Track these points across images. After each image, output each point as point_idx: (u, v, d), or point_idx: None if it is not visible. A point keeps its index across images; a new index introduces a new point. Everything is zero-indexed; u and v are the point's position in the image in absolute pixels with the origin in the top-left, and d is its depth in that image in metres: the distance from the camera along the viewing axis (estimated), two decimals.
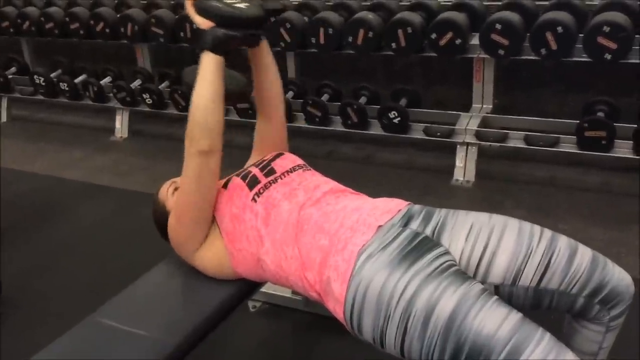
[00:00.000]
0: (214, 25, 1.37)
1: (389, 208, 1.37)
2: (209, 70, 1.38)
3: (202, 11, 1.37)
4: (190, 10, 1.42)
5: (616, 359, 1.46)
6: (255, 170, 1.54)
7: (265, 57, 1.63)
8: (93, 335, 1.42)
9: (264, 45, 1.60)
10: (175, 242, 1.56)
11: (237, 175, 1.55)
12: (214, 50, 1.38)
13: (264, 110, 1.71)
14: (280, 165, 1.56)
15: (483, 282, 1.28)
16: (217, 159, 1.41)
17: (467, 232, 1.31)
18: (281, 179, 1.51)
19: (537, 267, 1.27)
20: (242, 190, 1.49)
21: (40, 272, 2.62)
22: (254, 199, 1.47)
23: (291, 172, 1.54)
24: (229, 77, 1.41)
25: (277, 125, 1.75)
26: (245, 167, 1.64)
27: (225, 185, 1.54)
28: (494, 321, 1.11)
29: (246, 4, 1.40)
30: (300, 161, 1.62)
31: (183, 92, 3.82)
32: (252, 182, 1.50)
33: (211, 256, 1.53)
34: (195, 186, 1.43)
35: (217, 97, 1.38)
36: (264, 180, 1.50)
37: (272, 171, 1.53)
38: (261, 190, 1.48)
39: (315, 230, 1.35)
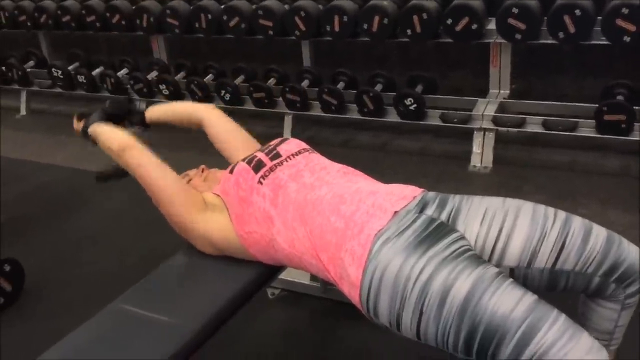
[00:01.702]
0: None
1: (405, 194, 1.38)
2: (99, 129, 1.72)
3: (79, 117, 1.85)
4: (75, 124, 1.85)
5: (616, 359, 1.45)
6: (261, 155, 1.58)
7: (161, 118, 1.93)
8: (116, 321, 1.44)
9: (151, 113, 1.92)
10: (176, 228, 1.61)
11: (243, 160, 1.59)
12: (94, 122, 1.77)
13: (193, 125, 1.90)
14: (285, 149, 1.59)
15: (498, 265, 1.28)
16: (137, 150, 1.59)
17: (482, 216, 1.31)
18: (287, 161, 1.55)
19: (552, 248, 1.27)
20: (247, 173, 1.53)
21: (62, 261, 2.66)
22: (259, 182, 1.50)
23: (297, 155, 1.58)
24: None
25: (213, 123, 1.86)
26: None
27: (231, 171, 1.58)
28: (509, 302, 1.11)
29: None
30: (305, 145, 1.65)
31: (199, 83, 3.84)
32: (258, 166, 1.53)
33: (220, 235, 1.56)
34: (145, 178, 1.57)
35: (108, 131, 1.71)
36: (269, 164, 1.54)
37: (277, 155, 1.57)
38: (267, 173, 1.51)
39: (330, 212, 1.36)
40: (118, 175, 1.76)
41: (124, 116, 1.89)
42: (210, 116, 1.86)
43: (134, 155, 1.59)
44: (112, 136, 1.66)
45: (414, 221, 1.28)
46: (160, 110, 1.94)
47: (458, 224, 1.31)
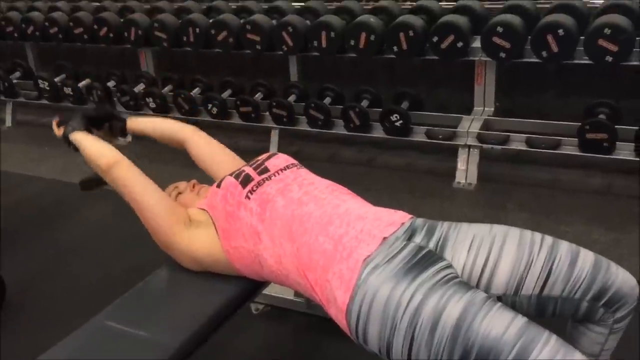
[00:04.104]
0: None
1: (393, 220, 1.38)
2: (83, 140, 1.70)
3: (59, 123, 1.83)
4: (55, 129, 1.84)
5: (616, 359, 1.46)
6: (249, 169, 1.57)
7: (142, 130, 1.91)
8: (96, 337, 1.43)
9: (134, 123, 1.90)
10: (161, 245, 1.60)
11: (230, 174, 1.58)
12: (75, 128, 1.74)
13: (175, 143, 1.89)
14: (273, 164, 1.59)
15: (486, 293, 1.28)
16: (124, 166, 1.59)
17: (469, 244, 1.31)
18: (275, 176, 1.54)
19: (539, 275, 1.27)
20: (235, 188, 1.52)
21: (45, 275, 2.63)
22: (247, 196, 1.49)
23: (285, 169, 1.57)
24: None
25: (196, 144, 1.85)
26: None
27: (219, 185, 1.57)
28: (501, 325, 1.12)
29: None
30: (293, 160, 1.65)
31: (186, 96, 3.84)
32: (245, 180, 1.53)
33: (204, 251, 1.55)
34: (131, 194, 1.57)
35: (94, 145, 1.68)
36: (257, 178, 1.53)
37: (265, 170, 1.56)
38: (254, 188, 1.50)
39: (318, 232, 1.36)
40: (102, 181, 1.70)
41: (106, 122, 1.86)
42: (194, 137, 1.85)
43: (121, 171, 1.58)
44: (97, 151, 1.65)
45: (403, 249, 1.28)
46: (143, 122, 1.93)
47: (446, 252, 1.31)
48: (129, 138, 4.16)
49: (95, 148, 1.66)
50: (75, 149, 1.72)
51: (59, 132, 1.80)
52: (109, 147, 1.66)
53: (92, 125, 1.79)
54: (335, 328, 1.34)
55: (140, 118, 1.95)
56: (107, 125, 1.86)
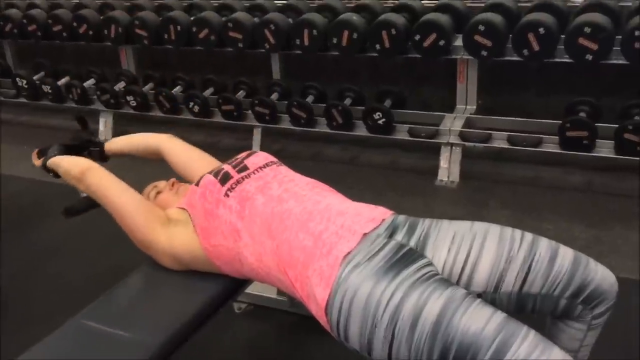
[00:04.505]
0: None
1: (373, 216, 1.37)
2: (59, 160, 1.76)
3: (39, 153, 1.90)
4: (35, 160, 1.89)
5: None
6: (228, 167, 1.57)
7: (120, 149, 1.95)
8: (76, 337, 1.41)
9: (111, 145, 1.94)
10: (139, 245, 1.61)
11: (209, 172, 1.58)
12: (53, 155, 1.80)
13: (152, 155, 1.92)
14: (253, 162, 1.59)
15: (466, 290, 1.29)
16: (97, 171, 1.66)
17: (450, 242, 1.31)
18: (254, 174, 1.54)
19: (518, 272, 1.28)
20: (214, 186, 1.52)
21: (25, 275, 2.60)
22: (226, 194, 1.49)
23: (264, 167, 1.58)
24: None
25: (171, 152, 1.87)
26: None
27: (197, 183, 1.57)
28: (480, 320, 1.12)
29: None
30: (273, 158, 1.65)
31: (168, 94, 3.81)
32: (224, 178, 1.53)
33: (183, 248, 1.55)
34: (106, 197, 1.61)
35: (67, 160, 1.75)
36: (236, 176, 1.53)
37: (244, 168, 1.57)
38: (234, 185, 1.50)
39: (298, 228, 1.36)
40: (86, 208, 1.77)
41: (83, 148, 1.91)
42: (168, 144, 1.86)
43: (94, 177, 1.63)
44: (71, 162, 1.71)
45: (384, 247, 1.28)
46: (119, 143, 1.96)
47: (427, 250, 1.31)
48: None
49: (69, 161, 1.72)
50: (56, 175, 1.77)
51: (38, 162, 1.86)
52: (83, 158, 1.73)
53: (70, 154, 1.83)
54: (319, 327, 1.33)
55: (116, 139, 1.98)
56: (86, 153, 1.91)
